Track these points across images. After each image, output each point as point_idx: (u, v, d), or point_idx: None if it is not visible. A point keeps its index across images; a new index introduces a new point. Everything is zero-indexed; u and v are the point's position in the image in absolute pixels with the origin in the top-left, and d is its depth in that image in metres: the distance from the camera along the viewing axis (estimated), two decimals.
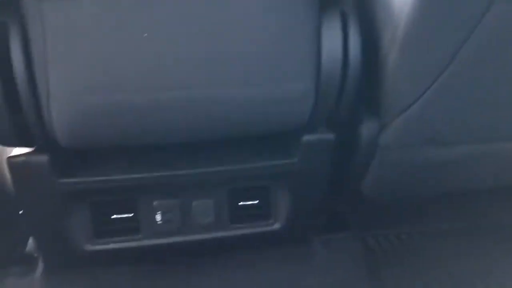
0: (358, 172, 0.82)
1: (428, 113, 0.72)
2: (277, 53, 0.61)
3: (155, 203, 0.77)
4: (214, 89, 0.61)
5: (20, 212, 0.82)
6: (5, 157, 0.71)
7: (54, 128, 0.60)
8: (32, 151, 0.67)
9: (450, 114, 0.73)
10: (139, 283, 0.88)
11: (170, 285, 0.88)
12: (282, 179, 0.79)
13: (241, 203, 0.81)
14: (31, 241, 0.94)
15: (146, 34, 0.57)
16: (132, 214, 0.78)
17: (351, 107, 0.71)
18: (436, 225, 1.09)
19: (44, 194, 0.71)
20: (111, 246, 0.79)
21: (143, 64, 0.58)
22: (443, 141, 0.78)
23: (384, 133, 0.76)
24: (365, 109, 0.76)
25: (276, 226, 0.84)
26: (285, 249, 0.95)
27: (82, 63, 0.57)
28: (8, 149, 0.77)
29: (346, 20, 0.64)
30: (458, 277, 0.96)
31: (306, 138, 0.73)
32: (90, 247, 0.78)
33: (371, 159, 0.79)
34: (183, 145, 0.76)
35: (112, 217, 0.77)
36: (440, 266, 0.98)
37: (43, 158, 0.67)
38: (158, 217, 0.78)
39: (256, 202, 0.82)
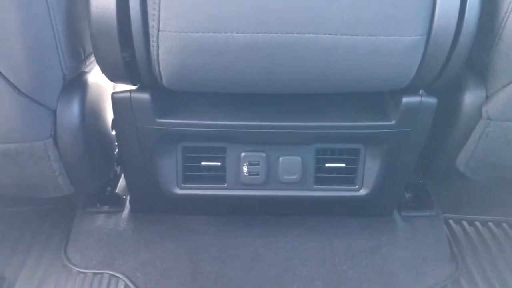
0: (455, 143, 0.78)
1: None
2: (389, 2, 0.59)
3: (243, 154, 0.78)
4: (319, 34, 0.60)
5: (116, 153, 0.87)
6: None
7: (160, 66, 0.62)
8: (135, 89, 0.70)
9: None
10: (218, 232, 0.90)
11: (247, 237, 0.89)
12: (375, 143, 0.77)
13: (328, 164, 0.80)
14: (120, 183, 0.98)
15: None
16: (220, 163, 0.79)
17: (458, 70, 0.67)
18: None
19: (141, 132, 0.73)
20: (197, 192, 0.81)
21: (251, 4, 0.58)
22: None
23: (490, 103, 0.71)
24: (472, 75, 0.72)
25: (362, 192, 0.82)
26: (365, 218, 0.94)
27: (193, 1, 0.58)
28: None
29: None
30: None
31: (407, 100, 0.71)
32: (177, 191, 0.80)
33: (471, 130, 0.75)
34: (277, 99, 0.75)
35: (202, 163, 0.79)
36: None
37: (145, 96, 0.69)
38: (245, 169, 0.79)
39: (343, 165, 0.80)
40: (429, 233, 0.94)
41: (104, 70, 0.66)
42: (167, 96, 0.71)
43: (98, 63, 0.65)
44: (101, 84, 0.76)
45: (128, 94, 0.69)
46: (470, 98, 0.72)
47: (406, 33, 0.60)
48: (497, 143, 0.75)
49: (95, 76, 0.73)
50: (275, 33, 0.59)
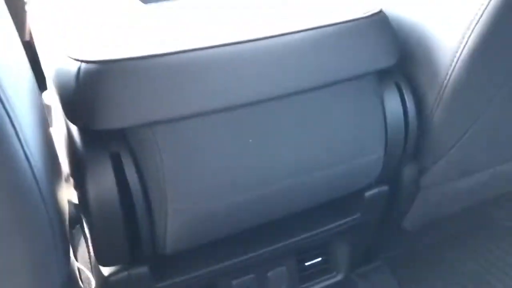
0: (401, 211, 0.91)
1: (463, 154, 0.82)
2: (356, 138, 0.70)
3: (234, 282, 0.80)
4: (307, 176, 0.68)
5: None
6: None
7: (166, 241, 0.62)
8: (131, 263, 0.67)
9: (483, 149, 0.84)
10: None
11: None
12: (344, 234, 0.86)
13: (307, 263, 0.87)
14: None
15: (251, 140, 0.61)
16: None
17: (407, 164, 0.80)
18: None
19: None
20: None
21: (253, 170, 0.64)
22: (473, 171, 0.89)
23: (425, 176, 0.85)
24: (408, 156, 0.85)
25: (339, 277, 0.90)
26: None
27: (198, 179, 0.60)
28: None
29: (401, 90, 0.73)
30: None
31: (368, 194, 0.81)
32: None
33: (414, 199, 0.88)
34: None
35: None
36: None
37: (144, 269, 0.67)
38: None
39: (320, 259, 0.87)
40: (384, 284, 1.06)
41: (102, 256, 0.63)
42: (165, 260, 0.71)
43: (95, 252, 0.62)
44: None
45: (126, 273, 0.66)
46: (408, 174, 0.85)
47: (369, 153, 0.72)
48: (435, 204, 0.90)
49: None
50: (273, 186, 0.66)
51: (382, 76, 0.72)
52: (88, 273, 0.77)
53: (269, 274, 0.83)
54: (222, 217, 0.65)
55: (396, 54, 0.71)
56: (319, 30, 0.66)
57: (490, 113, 0.77)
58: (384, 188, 0.83)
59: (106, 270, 0.68)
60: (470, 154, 0.84)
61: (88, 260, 0.85)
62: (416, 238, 1.15)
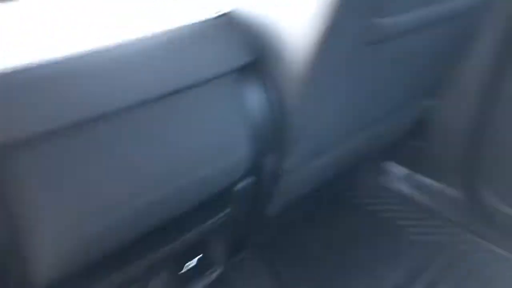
0: (265, 198, 0.96)
1: (317, 137, 0.91)
2: (222, 137, 0.73)
3: None
4: (176, 181, 0.70)
5: None
6: None
7: (38, 273, 0.58)
8: None
9: (332, 131, 0.94)
10: None
11: None
12: (217, 229, 0.88)
13: (186, 263, 0.87)
14: None
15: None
16: None
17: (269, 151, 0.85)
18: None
19: None
20: None
21: (122, 183, 0.62)
22: (324, 151, 0.99)
23: (285, 161, 0.92)
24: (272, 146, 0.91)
25: (219, 270, 0.92)
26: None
27: (68, 198, 0.57)
28: None
29: (265, 87, 0.77)
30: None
31: (237, 187, 0.84)
32: None
33: (276, 184, 0.94)
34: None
35: None
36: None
37: None
38: None
39: (198, 258, 0.88)
40: (256, 273, 1.13)
41: None
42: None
43: None
44: None
45: None
46: (268, 163, 0.90)
47: (237, 154, 0.76)
48: (293, 188, 0.98)
49: None
50: (143, 196, 0.66)
51: (244, 74, 0.75)
52: None
53: (150, 282, 0.81)
54: (95, 236, 0.62)
55: (253, 52, 0.74)
56: (170, 33, 0.66)
57: (337, 99, 0.86)
58: (251, 179, 0.87)
59: None
60: (322, 137, 0.93)
61: None
62: (278, 221, 1.23)
